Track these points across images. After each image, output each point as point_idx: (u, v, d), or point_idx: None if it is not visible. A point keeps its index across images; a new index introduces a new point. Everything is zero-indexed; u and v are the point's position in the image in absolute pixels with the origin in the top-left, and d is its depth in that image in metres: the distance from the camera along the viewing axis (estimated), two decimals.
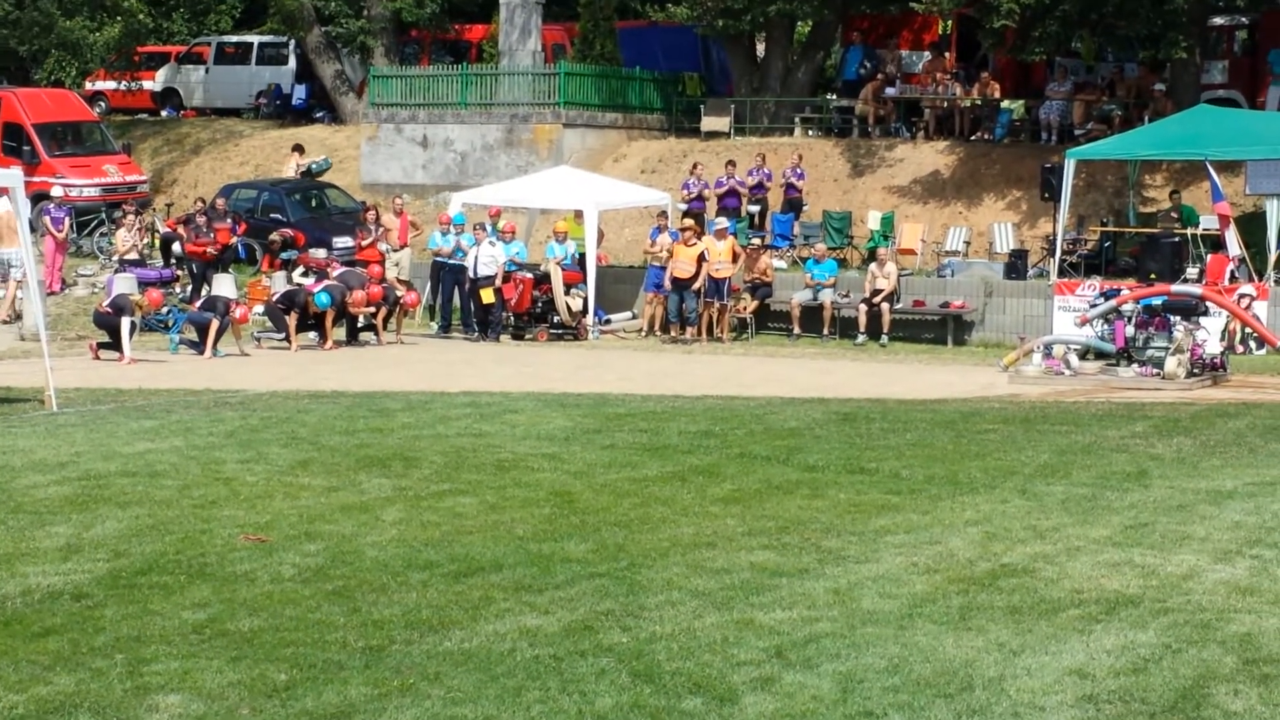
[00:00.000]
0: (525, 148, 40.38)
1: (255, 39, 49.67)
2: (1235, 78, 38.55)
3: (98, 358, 26.45)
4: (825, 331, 31.36)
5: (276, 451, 16.76)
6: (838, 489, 14.93)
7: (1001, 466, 16.28)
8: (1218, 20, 38.85)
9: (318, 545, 12.37)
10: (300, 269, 32.05)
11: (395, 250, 33.32)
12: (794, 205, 36.66)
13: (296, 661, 9.39)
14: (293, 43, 47.62)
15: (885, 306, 30.81)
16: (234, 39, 50.17)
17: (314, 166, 41.57)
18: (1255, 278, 30.13)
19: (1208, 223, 31.84)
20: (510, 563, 11.81)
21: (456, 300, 32.06)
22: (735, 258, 31.73)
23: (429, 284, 32.67)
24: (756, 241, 33.87)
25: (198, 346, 27.56)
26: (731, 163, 36.68)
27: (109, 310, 26.90)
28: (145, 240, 35.91)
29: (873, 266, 31.81)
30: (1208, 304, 26.58)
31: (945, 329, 31.17)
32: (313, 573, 11.53)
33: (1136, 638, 9.87)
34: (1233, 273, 30.13)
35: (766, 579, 11.36)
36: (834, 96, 43.08)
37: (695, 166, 37.12)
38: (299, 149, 41.96)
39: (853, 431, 18.76)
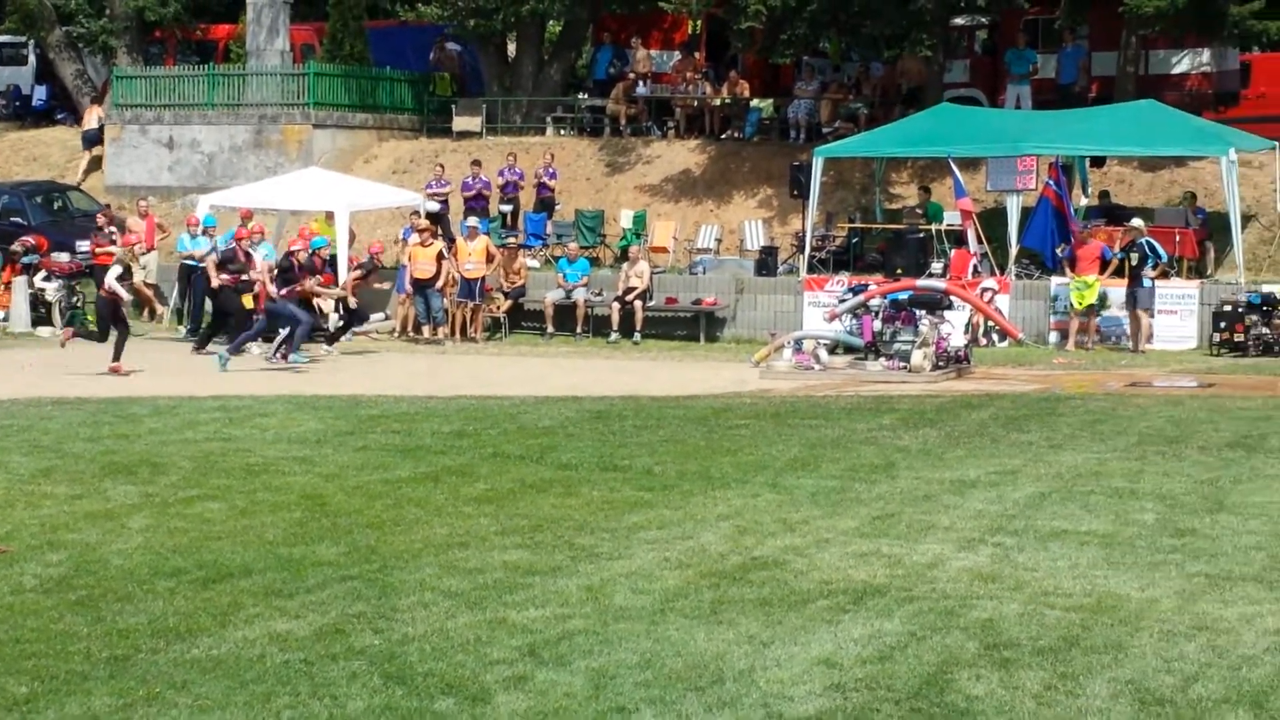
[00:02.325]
0: (274, 149, 39.87)
1: None
2: (976, 77, 39.43)
3: None
4: (579, 330, 31.47)
5: (18, 460, 16.37)
6: (591, 486, 14.98)
7: (753, 461, 16.45)
8: (959, 20, 39.70)
9: (61, 555, 12.09)
10: (42, 273, 31.32)
11: (143, 254, 32.65)
12: (546, 204, 36.69)
13: (38, 673, 9.16)
14: (32, 42, 46.46)
15: (638, 304, 30.99)
16: None
17: None
18: (997, 272, 30.85)
19: (951, 218, 32.50)
20: (260, 567, 11.65)
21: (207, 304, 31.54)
22: (491, 258, 31.67)
23: (176, 287, 32.11)
24: (512, 241, 33.84)
25: None
26: (476, 162, 36.58)
27: None
28: None
29: (625, 265, 31.97)
30: (952, 298, 27.13)
31: (698, 326, 31.46)
32: (55, 583, 11.26)
33: (883, 626, 10.03)
34: (975, 267, 30.82)
35: (520, 578, 11.35)
36: (585, 96, 43.21)
37: (439, 167, 37.01)
38: (99, 101, 41.36)
39: (606, 429, 18.83)
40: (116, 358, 24.97)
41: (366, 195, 34.79)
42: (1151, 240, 29.29)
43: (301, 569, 11.61)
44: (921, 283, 27.73)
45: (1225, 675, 9.04)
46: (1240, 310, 28.10)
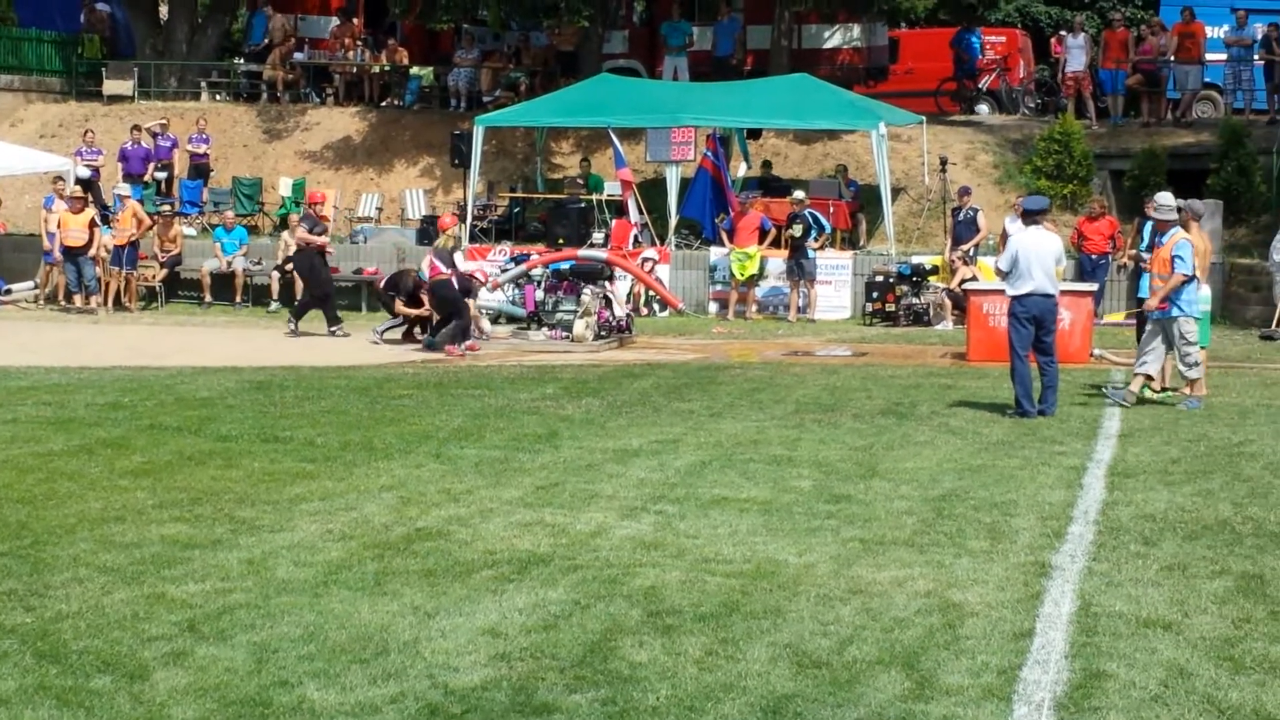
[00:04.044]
0: None
1: None
2: (635, 48, 39.83)
3: None
4: (238, 300, 30.97)
5: None
6: (251, 458, 14.75)
7: (416, 431, 16.39)
8: None
9: None
10: None
11: None
12: (201, 171, 36.03)
13: None
14: None
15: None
16: None
17: None
18: (657, 242, 31.21)
19: (612, 189, 32.78)
20: None
21: None
22: (141, 224, 30.96)
23: None
24: (166, 208, 33.12)
25: None
26: (136, 127, 35.76)
27: None
28: None
29: (285, 233, 31.54)
30: (613, 268, 27.37)
31: (359, 296, 31.17)
32: None
33: (547, 595, 10.07)
34: (636, 237, 31.14)
35: (178, 552, 11.13)
36: (242, 61, 42.51)
37: (87, 133, 36.07)
38: None
39: (266, 400, 18.57)
40: None
41: (13, 159, 33.70)
42: (815, 211, 29.94)
43: None
44: (583, 253, 27.95)
45: (879, 637, 9.28)
46: (891, 281, 28.89)
